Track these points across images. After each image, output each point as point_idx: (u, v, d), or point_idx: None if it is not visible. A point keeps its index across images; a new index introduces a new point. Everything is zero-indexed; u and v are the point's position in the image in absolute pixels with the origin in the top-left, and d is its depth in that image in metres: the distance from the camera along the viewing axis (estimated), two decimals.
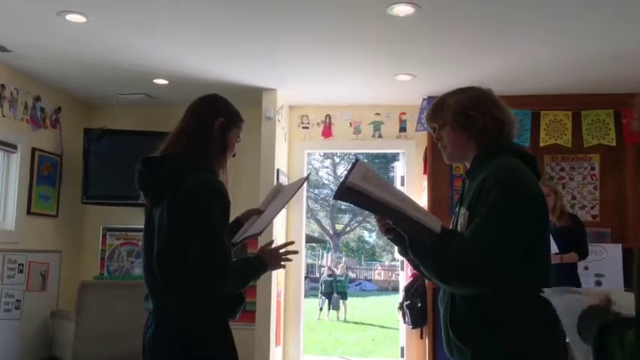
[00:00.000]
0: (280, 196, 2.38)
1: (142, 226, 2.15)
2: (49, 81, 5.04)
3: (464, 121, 1.81)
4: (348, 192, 1.62)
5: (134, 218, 5.14)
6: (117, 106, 5.65)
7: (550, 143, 4.91)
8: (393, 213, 1.64)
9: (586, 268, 4.55)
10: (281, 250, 2.18)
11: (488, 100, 1.84)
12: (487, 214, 1.63)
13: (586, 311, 1.37)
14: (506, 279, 1.62)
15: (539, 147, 4.82)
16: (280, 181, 5.17)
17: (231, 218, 2.16)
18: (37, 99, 5.04)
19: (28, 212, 4.93)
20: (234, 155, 2.21)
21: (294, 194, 2.32)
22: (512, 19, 3.58)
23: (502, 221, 1.62)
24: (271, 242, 2.29)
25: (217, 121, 2.12)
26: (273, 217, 2.29)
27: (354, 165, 1.68)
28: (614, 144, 4.86)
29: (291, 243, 2.34)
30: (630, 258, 4.58)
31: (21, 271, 4.84)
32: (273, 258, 2.15)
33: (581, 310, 1.34)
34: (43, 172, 5.14)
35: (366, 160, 21.87)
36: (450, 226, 1.85)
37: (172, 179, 2.01)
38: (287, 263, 2.22)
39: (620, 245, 4.59)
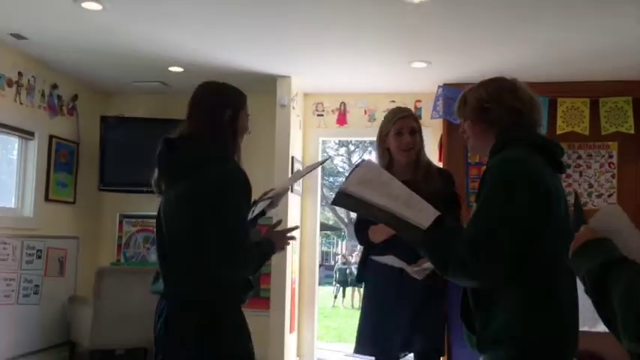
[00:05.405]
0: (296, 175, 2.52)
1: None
2: (65, 69, 5.07)
3: (481, 114, 1.85)
4: (343, 197, 1.72)
5: (150, 205, 5.15)
6: (132, 94, 5.68)
7: (567, 131, 4.85)
8: (380, 214, 1.71)
9: None
10: (288, 234, 2.24)
11: (506, 91, 1.85)
12: (478, 210, 1.66)
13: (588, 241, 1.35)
14: (507, 271, 1.61)
15: (556, 134, 4.76)
16: (295, 168, 5.16)
17: None
18: (54, 87, 5.07)
19: (46, 199, 4.99)
20: (249, 133, 2.23)
21: (310, 170, 2.41)
22: (530, 5, 3.53)
23: (489, 219, 1.62)
24: (279, 222, 2.34)
25: (226, 114, 2.13)
26: (287, 187, 2.42)
27: (355, 167, 1.80)
28: (632, 132, 4.79)
29: (296, 227, 2.51)
30: None
31: (39, 257, 4.90)
32: (280, 239, 2.20)
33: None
34: (61, 159, 5.19)
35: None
36: None
37: (196, 166, 2.04)
38: (302, 251, 2.30)
39: None
